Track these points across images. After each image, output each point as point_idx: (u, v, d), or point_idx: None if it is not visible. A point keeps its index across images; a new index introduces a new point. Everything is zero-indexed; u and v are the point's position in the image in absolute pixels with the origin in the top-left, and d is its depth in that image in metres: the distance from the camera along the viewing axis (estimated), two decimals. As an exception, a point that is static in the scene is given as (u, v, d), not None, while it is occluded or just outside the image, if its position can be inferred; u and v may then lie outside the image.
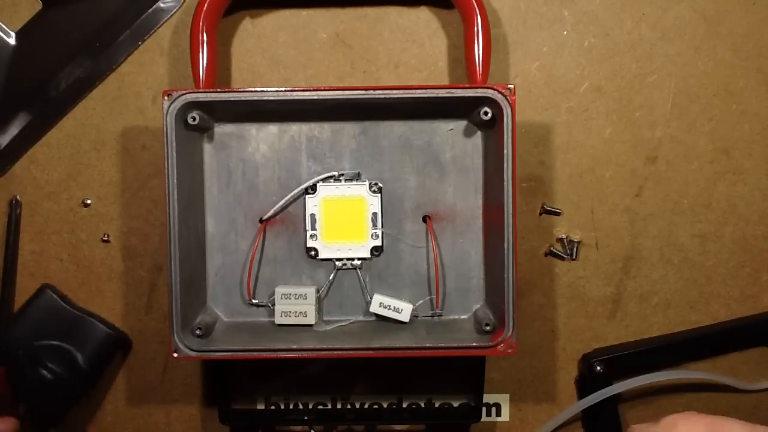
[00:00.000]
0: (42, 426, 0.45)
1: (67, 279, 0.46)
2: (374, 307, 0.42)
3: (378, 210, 0.43)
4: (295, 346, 0.40)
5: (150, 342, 0.47)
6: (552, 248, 0.46)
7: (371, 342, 0.40)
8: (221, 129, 0.43)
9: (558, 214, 0.45)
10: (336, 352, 0.40)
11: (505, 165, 0.39)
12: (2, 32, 0.46)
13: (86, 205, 0.46)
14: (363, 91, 0.39)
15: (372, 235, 0.43)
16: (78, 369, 0.44)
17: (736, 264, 0.46)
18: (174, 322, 0.39)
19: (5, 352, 0.44)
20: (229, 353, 0.40)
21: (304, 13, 0.46)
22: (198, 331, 0.40)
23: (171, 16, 0.46)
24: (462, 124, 0.43)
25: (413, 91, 0.39)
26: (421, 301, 0.43)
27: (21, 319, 0.45)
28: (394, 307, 0.42)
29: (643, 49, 0.46)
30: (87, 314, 0.45)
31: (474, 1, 0.42)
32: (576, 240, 0.46)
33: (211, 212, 0.43)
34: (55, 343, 0.44)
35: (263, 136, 0.43)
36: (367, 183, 0.43)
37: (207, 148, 0.43)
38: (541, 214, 0.46)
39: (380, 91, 0.39)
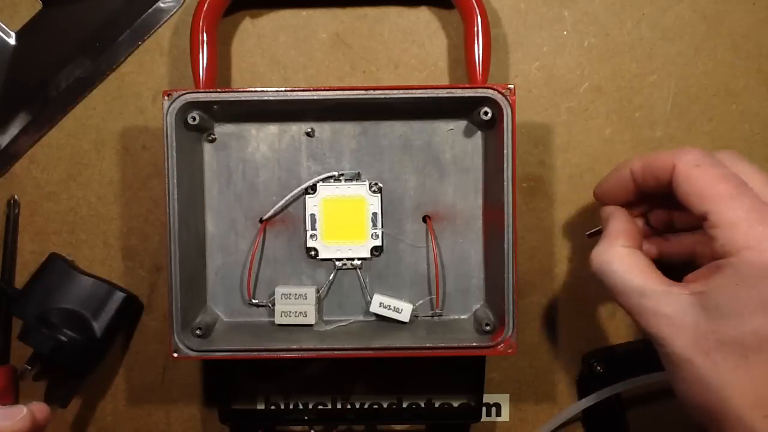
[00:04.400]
0: (62, 400, 0.44)
1: (67, 279, 0.46)
2: (374, 307, 0.42)
3: (378, 210, 0.43)
4: (295, 346, 0.40)
5: (150, 342, 0.47)
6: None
7: (371, 342, 0.40)
8: (221, 129, 0.43)
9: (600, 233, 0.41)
10: (336, 352, 0.40)
11: (505, 165, 0.39)
12: (2, 32, 0.46)
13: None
14: (363, 91, 0.39)
15: (372, 235, 0.43)
16: (94, 334, 0.44)
17: (736, 264, 0.46)
18: (174, 322, 0.39)
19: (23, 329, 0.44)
20: (229, 353, 0.40)
21: (304, 13, 0.46)
22: (198, 331, 0.40)
23: (171, 16, 0.46)
24: (462, 124, 0.43)
25: (413, 91, 0.39)
26: (421, 301, 0.43)
27: (33, 288, 0.44)
28: (394, 307, 0.42)
29: (643, 49, 0.46)
30: (97, 279, 0.45)
31: (474, 1, 0.42)
32: None
33: (211, 212, 0.43)
34: (69, 307, 0.44)
35: (263, 136, 0.43)
36: (367, 183, 0.43)
37: (207, 148, 0.43)
38: (589, 236, 0.43)
39: (380, 91, 0.39)
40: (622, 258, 0.33)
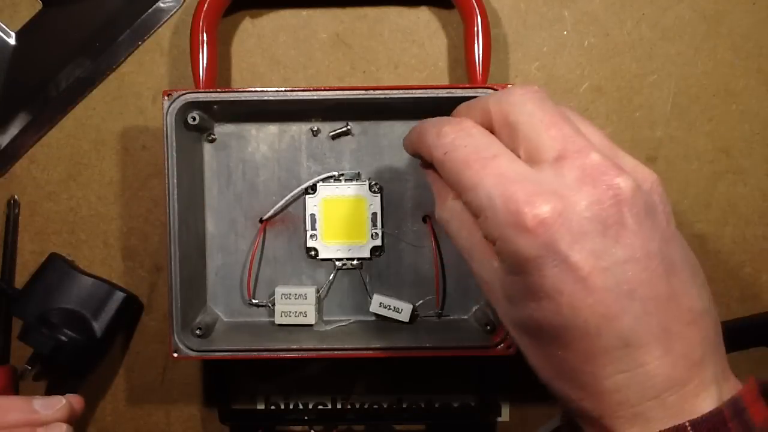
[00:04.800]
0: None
1: (67, 279, 0.46)
2: (374, 307, 0.42)
3: (378, 210, 0.43)
4: (295, 346, 0.40)
5: (150, 342, 0.47)
6: None
7: (371, 342, 0.40)
8: (221, 129, 0.43)
9: None
10: (336, 352, 0.40)
11: (505, 165, 0.39)
12: (2, 32, 0.46)
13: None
14: (363, 91, 0.39)
15: (372, 235, 0.43)
16: (94, 334, 0.44)
17: (736, 264, 0.46)
18: (174, 322, 0.39)
19: (23, 328, 0.44)
20: (229, 353, 0.40)
21: (304, 13, 0.46)
22: (198, 331, 0.40)
23: (171, 16, 0.46)
24: (462, 124, 0.43)
25: (413, 91, 0.39)
26: (421, 301, 0.43)
27: (33, 288, 0.44)
28: (394, 307, 0.42)
29: (643, 49, 0.46)
30: (97, 279, 0.45)
31: (474, 1, 0.42)
32: None
33: (211, 212, 0.43)
34: (69, 307, 0.44)
35: (263, 136, 0.43)
36: (367, 183, 0.43)
37: (207, 148, 0.43)
38: None
39: (380, 91, 0.39)
40: (453, 214, 0.30)
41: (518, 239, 0.25)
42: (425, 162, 0.32)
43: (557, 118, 0.27)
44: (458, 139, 0.28)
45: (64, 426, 0.36)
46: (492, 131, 0.29)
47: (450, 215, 0.30)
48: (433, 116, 0.42)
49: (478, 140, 0.28)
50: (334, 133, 0.43)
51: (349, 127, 0.42)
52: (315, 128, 0.43)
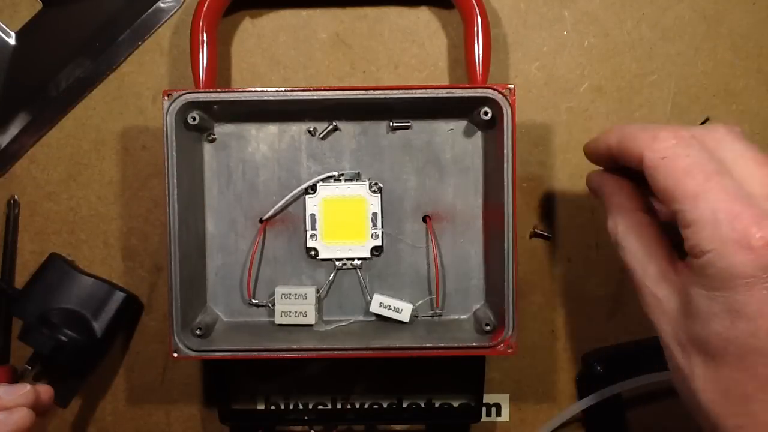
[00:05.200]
0: (62, 400, 0.45)
1: (67, 279, 0.46)
2: (374, 307, 0.42)
3: (378, 210, 0.43)
4: (295, 346, 0.40)
5: (150, 342, 0.47)
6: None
7: (371, 342, 0.40)
8: (221, 129, 0.43)
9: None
10: (336, 352, 0.40)
11: (505, 165, 0.39)
12: (2, 32, 0.46)
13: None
14: (363, 91, 0.39)
15: (372, 235, 0.43)
16: (94, 334, 0.44)
17: (736, 264, 0.46)
18: (174, 322, 0.39)
19: (24, 328, 0.44)
20: (229, 353, 0.40)
21: (304, 13, 0.46)
22: (198, 331, 0.40)
23: (171, 16, 0.46)
24: (462, 124, 0.43)
25: (413, 91, 0.39)
26: (421, 301, 0.43)
27: (33, 288, 0.44)
28: (394, 307, 0.42)
29: (643, 49, 0.46)
30: (97, 279, 0.45)
31: (474, 1, 0.42)
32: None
33: (211, 212, 0.43)
34: (69, 307, 0.44)
35: (263, 136, 0.43)
36: (367, 183, 0.43)
37: (207, 148, 0.43)
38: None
39: (380, 91, 0.39)
40: (636, 226, 0.33)
41: (737, 256, 0.26)
42: (607, 166, 0.35)
43: (765, 158, 0.30)
44: (679, 147, 0.30)
45: (25, 410, 0.36)
46: None
47: (633, 226, 0.32)
48: (432, 116, 0.42)
49: (699, 152, 0.29)
50: (322, 133, 0.43)
51: (335, 124, 0.42)
52: (312, 128, 0.43)
